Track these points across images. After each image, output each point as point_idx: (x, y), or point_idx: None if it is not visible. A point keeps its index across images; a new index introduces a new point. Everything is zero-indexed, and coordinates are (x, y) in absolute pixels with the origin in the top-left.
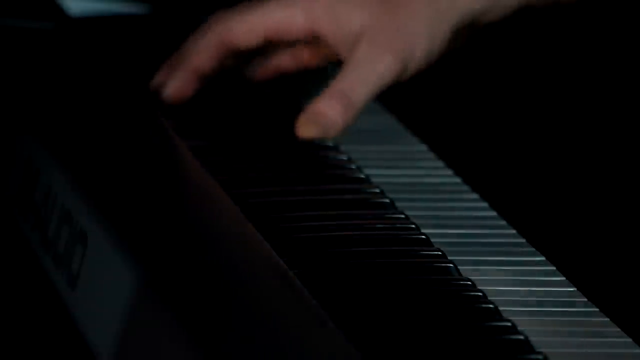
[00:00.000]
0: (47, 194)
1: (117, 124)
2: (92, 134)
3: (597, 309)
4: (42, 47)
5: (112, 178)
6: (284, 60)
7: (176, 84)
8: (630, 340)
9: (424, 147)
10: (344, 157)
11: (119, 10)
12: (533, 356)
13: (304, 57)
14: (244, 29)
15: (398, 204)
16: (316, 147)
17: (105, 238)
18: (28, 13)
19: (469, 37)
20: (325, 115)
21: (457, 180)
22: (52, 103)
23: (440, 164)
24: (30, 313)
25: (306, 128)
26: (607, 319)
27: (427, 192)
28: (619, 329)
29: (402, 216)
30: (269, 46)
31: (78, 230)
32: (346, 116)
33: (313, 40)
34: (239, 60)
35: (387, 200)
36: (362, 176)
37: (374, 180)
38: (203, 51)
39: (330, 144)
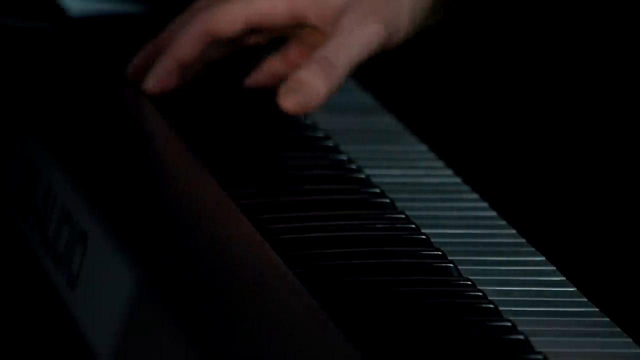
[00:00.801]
0: (47, 194)
1: (117, 123)
2: (92, 134)
3: (597, 309)
4: (42, 47)
5: (112, 178)
6: (275, 65)
7: (159, 75)
8: (630, 340)
9: (424, 147)
10: (344, 157)
11: (119, 10)
12: (533, 356)
13: (295, 57)
14: (225, 17)
15: (398, 204)
16: (316, 147)
17: (105, 238)
18: (28, 13)
19: (451, 8)
20: (307, 83)
21: (457, 180)
22: (52, 103)
23: (440, 164)
24: (30, 313)
25: (288, 98)
26: (607, 319)
27: (427, 192)
28: (619, 329)
29: (402, 216)
30: (252, 35)
31: (78, 230)
32: (329, 83)
33: (297, 25)
34: (223, 49)
35: (387, 200)
36: (362, 176)
37: (374, 180)
38: (185, 42)
39: (331, 144)
